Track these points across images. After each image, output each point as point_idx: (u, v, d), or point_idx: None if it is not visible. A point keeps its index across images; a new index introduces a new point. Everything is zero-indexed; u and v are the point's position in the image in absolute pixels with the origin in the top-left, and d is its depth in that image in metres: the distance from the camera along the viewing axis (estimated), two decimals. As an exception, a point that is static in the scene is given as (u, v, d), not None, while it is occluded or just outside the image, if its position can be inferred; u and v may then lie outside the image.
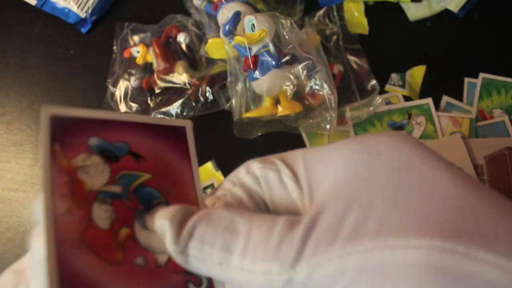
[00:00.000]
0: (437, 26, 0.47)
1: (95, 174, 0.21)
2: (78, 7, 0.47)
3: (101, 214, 0.20)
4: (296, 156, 0.20)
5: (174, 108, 0.42)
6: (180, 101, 0.42)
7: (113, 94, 0.44)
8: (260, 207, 0.20)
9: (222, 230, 0.18)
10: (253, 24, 0.36)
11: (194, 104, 0.42)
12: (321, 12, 0.46)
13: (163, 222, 0.18)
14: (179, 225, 0.18)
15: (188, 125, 0.23)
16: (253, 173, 0.20)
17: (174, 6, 0.47)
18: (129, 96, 0.44)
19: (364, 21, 0.47)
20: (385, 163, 0.17)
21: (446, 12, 0.47)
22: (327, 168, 0.18)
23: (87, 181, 0.21)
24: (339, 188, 0.18)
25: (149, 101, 0.44)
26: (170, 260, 0.20)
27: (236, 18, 0.37)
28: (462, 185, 0.16)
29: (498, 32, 0.47)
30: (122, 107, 0.44)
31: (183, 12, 0.46)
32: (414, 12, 0.47)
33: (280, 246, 0.17)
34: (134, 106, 0.44)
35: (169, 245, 0.18)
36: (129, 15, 0.49)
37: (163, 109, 0.42)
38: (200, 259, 0.18)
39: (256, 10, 0.40)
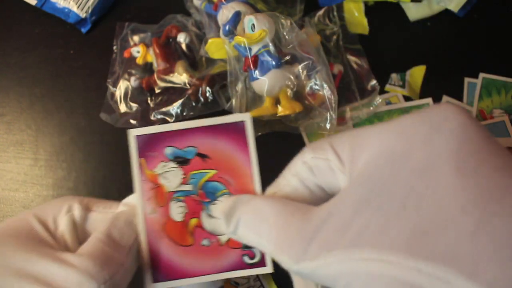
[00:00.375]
0: (437, 26, 0.47)
1: (172, 178, 0.27)
2: (78, 7, 0.47)
3: (176, 210, 0.27)
4: (343, 143, 0.22)
5: (174, 108, 0.42)
6: (180, 101, 0.42)
7: (113, 94, 0.44)
8: (314, 193, 0.23)
9: (259, 219, 0.22)
10: (253, 24, 0.36)
11: (194, 104, 0.42)
12: (321, 12, 0.46)
13: (218, 214, 0.25)
14: (229, 215, 0.23)
15: (247, 118, 0.27)
16: (307, 163, 0.23)
17: (174, 6, 0.47)
18: (129, 96, 0.44)
19: (364, 21, 0.47)
20: (411, 160, 0.18)
21: (446, 12, 0.47)
22: (364, 155, 0.20)
23: (166, 185, 0.27)
24: (358, 186, 0.19)
25: (149, 101, 0.44)
26: (229, 239, 0.26)
27: (236, 18, 0.37)
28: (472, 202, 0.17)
29: (498, 32, 0.47)
30: (122, 107, 0.44)
31: (183, 12, 0.46)
32: (414, 12, 0.47)
33: (291, 243, 0.20)
34: (134, 106, 0.44)
35: (224, 232, 0.25)
36: (129, 15, 0.49)
37: (163, 109, 0.42)
38: (246, 240, 0.23)
39: (256, 10, 0.40)
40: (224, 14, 0.39)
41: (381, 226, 0.18)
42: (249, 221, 0.22)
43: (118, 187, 0.43)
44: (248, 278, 0.41)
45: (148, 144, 0.28)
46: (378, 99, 0.42)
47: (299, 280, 0.24)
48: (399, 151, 0.19)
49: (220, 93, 0.42)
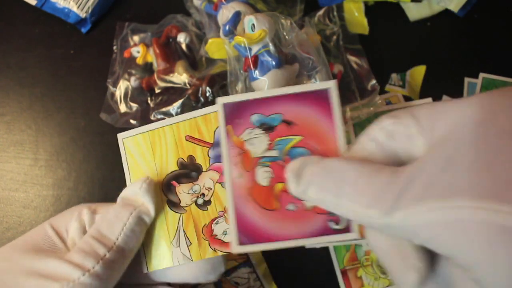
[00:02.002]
0: (437, 26, 0.47)
1: (258, 144, 0.28)
2: (78, 7, 0.47)
3: (262, 175, 0.27)
4: (422, 111, 0.22)
5: (174, 108, 0.42)
6: (180, 101, 0.42)
7: (113, 94, 0.44)
8: (391, 158, 0.23)
9: (335, 179, 0.22)
10: (253, 24, 0.36)
11: (194, 104, 0.42)
12: (321, 12, 0.46)
13: (287, 173, 0.25)
14: (298, 174, 0.24)
15: (332, 85, 0.27)
16: (386, 129, 0.23)
17: (174, 6, 0.47)
18: (129, 96, 0.44)
19: (364, 21, 0.47)
20: (496, 125, 0.19)
21: (446, 12, 0.47)
22: (445, 122, 0.21)
23: (252, 150, 0.28)
24: (445, 146, 0.20)
25: (149, 101, 0.44)
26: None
27: (236, 18, 0.37)
28: None
29: (498, 32, 0.47)
30: (122, 107, 0.44)
31: (183, 12, 0.46)
32: (414, 12, 0.47)
33: (380, 196, 0.20)
34: (134, 106, 0.44)
35: (292, 191, 0.24)
36: (129, 15, 0.49)
37: (163, 109, 0.42)
38: (319, 201, 0.23)
39: (256, 10, 0.40)
40: (224, 14, 0.39)
41: (471, 179, 0.18)
42: (323, 181, 0.23)
43: (118, 186, 0.43)
44: (248, 278, 0.41)
45: (235, 112, 0.29)
46: (378, 99, 0.42)
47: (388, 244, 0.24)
48: (482, 118, 0.20)
49: (220, 93, 0.42)
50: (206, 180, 0.29)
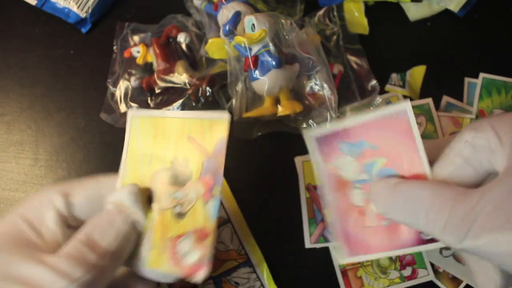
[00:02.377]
0: (438, 26, 0.47)
1: (349, 168, 0.31)
2: (78, 7, 0.47)
3: (357, 197, 0.30)
4: (504, 125, 0.23)
5: (174, 108, 0.42)
6: (180, 101, 0.42)
7: (113, 94, 0.44)
8: (478, 171, 0.24)
9: (410, 206, 0.24)
10: (253, 24, 0.36)
11: (194, 104, 0.42)
12: (321, 12, 0.46)
13: (370, 200, 0.28)
14: (376, 200, 0.28)
15: (407, 107, 0.29)
16: (469, 142, 0.24)
17: (174, 6, 0.47)
18: (129, 96, 0.44)
19: (364, 21, 0.47)
20: None
21: (447, 12, 0.47)
22: None
23: (345, 175, 0.31)
24: None
25: (149, 101, 0.44)
26: None
27: (236, 18, 0.37)
28: None
29: (498, 32, 0.47)
30: (122, 107, 0.44)
31: (183, 12, 0.46)
32: (414, 12, 0.47)
33: (454, 223, 0.21)
34: (134, 106, 0.44)
35: (375, 211, 0.28)
36: (129, 15, 0.49)
37: (163, 109, 0.42)
38: (400, 220, 0.26)
39: (256, 10, 0.40)
40: (224, 14, 0.39)
41: None
42: (400, 208, 0.25)
43: (118, 187, 0.43)
44: (248, 278, 0.41)
45: (325, 142, 0.32)
46: (378, 99, 0.42)
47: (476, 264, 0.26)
48: None
49: (220, 93, 0.42)
50: (191, 190, 0.29)
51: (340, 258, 0.32)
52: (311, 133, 0.32)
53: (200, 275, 0.26)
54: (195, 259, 0.27)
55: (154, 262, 0.28)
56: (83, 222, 0.26)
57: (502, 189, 0.21)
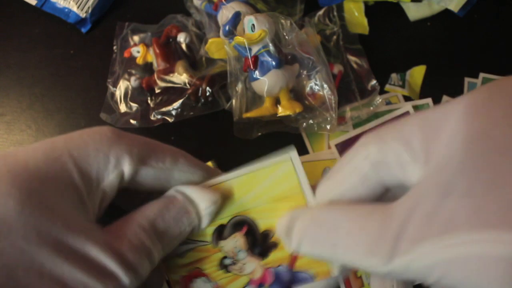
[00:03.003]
0: (437, 26, 0.47)
1: None
2: (78, 7, 0.47)
3: None
4: (413, 130, 0.19)
5: (174, 108, 0.42)
6: (180, 101, 0.42)
7: (113, 94, 0.44)
8: (376, 190, 0.21)
9: (327, 231, 0.20)
10: (253, 25, 0.36)
11: (194, 104, 0.42)
12: (321, 12, 0.46)
13: (279, 232, 0.23)
14: (288, 232, 0.22)
15: (409, 108, 0.29)
16: (370, 158, 0.20)
17: (174, 6, 0.47)
18: (129, 96, 0.44)
19: (364, 21, 0.47)
20: (493, 139, 0.17)
21: (447, 12, 0.47)
22: (439, 142, 0.18)
23: None
24: (438, 172, 0.18)
25: (149, 101, 0.44)
26: None
27: (236, 18, 0.37)
28: None
29: (498, 32, 0.47)
30: (122, 107, 0.44)
31: (183, 12, 0.46)
32: (414, 12, 0.47)
33: (378, 243, 0.18)
34: (134, 106, 0.44)
35: (287, 249, 0.23)
36: (129, 15, 0.49)
37: (163, 109, 0.42)
38: (316, 255, 0.21)
39: (256, 10, 0.40)
40: (224, 14, 0.39)
41: (474, 207, 0.16)
42: (315, 236, 0.21)
43: (118, 187, 0.43)
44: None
45: (345, 148, 0.31)
46: (378, 99, 0.42)
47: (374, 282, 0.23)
48: (478, 131, 0.17)
49: (220, 93, 0.42)
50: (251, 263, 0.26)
51: None
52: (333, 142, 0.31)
53: None
54: None
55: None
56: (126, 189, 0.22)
57: (426, 194, 0.17)
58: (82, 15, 0.47)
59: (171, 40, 0.45)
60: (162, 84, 0.43)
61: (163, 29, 0.45)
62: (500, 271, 0.15)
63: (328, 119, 0.39)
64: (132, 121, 0.43)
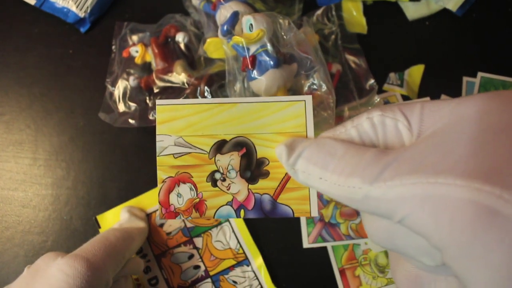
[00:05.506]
0: (436, 25, 0.47)
1: None
2: (77, 7, 0.47)
3: None
4: (412, 108, 0.22)
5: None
6: (178, 101, 0.42)
7: (111, 94, 0.44)
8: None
9: (324, 153, 0.23)
10: (251, 24, 0.36)
11: (192, 103, 0.42)
12: (319, 11, 0.46)
13: (280, 147, 0.25)
14: (290, 147, 0.24)
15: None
16: (371, 120, 0.23)
17: (172, 5, 0.47)
18: (127, 95, 0.44)
19: (363, 20, 0.47)
20: (487, 121, 0.19)
21: (445, 11, 0.47)
22: (435, 120, 0.21)
23: None
24: (435, 136, 0.20)
25: (147, 101, 0.44)
26: None
27: (234, 18, 0.37)
28: None
29: (497, 31, 0.47)
30: (121, 107, 0.44)
31: (182, 12, 0.46)
32: (412, 12, 0.47)
33: (366, 167, 0.20)
34: (133, 105, 0.44)
35: (283, 163, 0.25)
36: (127, 14, 0.49)
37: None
38: (306, 174, 0.23)
39: (254, 10, 0.40)
40: (223, 14, 0.39)
41: (458, 160, 0.18)
42: (313, 154, 0.23)
43: (117, 186, 0.43)
44: (246, 277, 0.41)
45: None
46: (377, 99, 0.42)
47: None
48: (476, 116, 0.19)
49: (218, 92, 0.42)
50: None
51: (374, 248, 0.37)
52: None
53: None
54: None
55: None
56: None
57: (421, 145, 0.20)
58: (81, 14, 0.47)
59: (169, 39, 0.45)
60: (160, 83, 0.43)
61: (162, 29, 0.45)
62: (467, 215, 0.17)
63: (326, 118, 0.39)
64: (130, 121, 0.43)
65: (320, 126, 0.40)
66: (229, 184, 0.29)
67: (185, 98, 0.42)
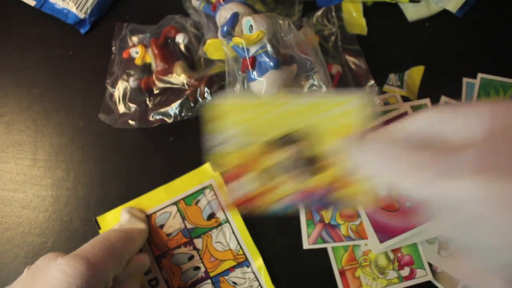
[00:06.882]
0: (436, 27, 0.47)
1: None
2: (77, 8, 0.47)
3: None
4: (478, 107, 0.22)
5: (173, 108, 0.42)
6: (178, 102, 0.42)
7: (111, 95, 0.44)
8: (427, 145, 0.24)
9: (392, 148, 0.23)
10: (251, 25, 0.36)
11: (192, 104, 0.43)
12: (319, 12, 0.46)
13: (344, 140, 0.27)
14: (355, 142, 0.25)
15: (408, 109, 0.36)
16: (428, 117, 0.23)
17: (172, 7, 0.47)
18: (127, 96, 0.44)
19: (363, 21, 0.47)
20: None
21: (445, 13, 0.47)
22: (505, 119, 0.21)
23: None
24: (503, 135, 0.21)
25: (147, 102, 0.44)
26: None
27: (234, 19, 0.37)
28: None
29: (496, 33, 0.47)
30: (121, 108, 0.44)
31: (182, 13, 0.46)
32: (412, 13, 0.47)
33: (437, 162, 0.21)
34: (133, 106, 0.44)
35: (346, 156, 0.26)
36: (127, 15, 0.49)
37: (162, 110, 0.42)
38: (375, 165, 0.24)
39: (254, 11, 0.40)
40: (222, 15, 0.39)
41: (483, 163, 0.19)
42: (384, 147, 0.24)
43: (117, 187, 0.43)
44: (246, 278, 0.41)
45: None
46: (376, 100, 0.42)
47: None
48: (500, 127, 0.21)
49: (218, 93, 0.42)
50: None
51: (375, 248, 0.40)
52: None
53: None
54: None
55: None
56: None
57: (486, 145, 0.21)
58: (81, 16, 0.47)
59: (169, 41, 0.45)
60: (160, 84, 0.43)
61: (162, 30, 0.45)
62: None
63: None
64: (130, 122, 0.43)
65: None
66: (285, 179, 0.30)
67: (185, 99, 0.42)
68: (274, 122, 0.30)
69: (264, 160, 0.30)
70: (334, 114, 0.29)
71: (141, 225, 0.40)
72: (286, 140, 0.29)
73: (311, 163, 0.30)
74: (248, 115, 0.30)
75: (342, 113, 0.29)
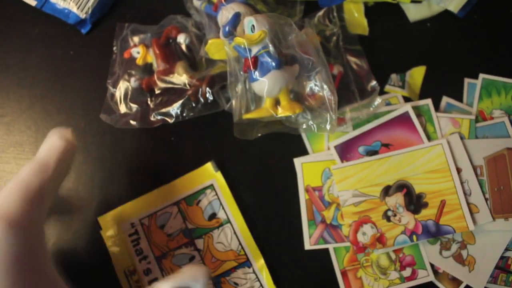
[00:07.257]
0: (437, 27, 0.47)
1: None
2: (78, 8, 0.47)
3: None
4: None
5: (174, 109, 0.42)
6: (180, 102, 0.42)
7: (113, 95, 0.44)
8: None
9: None
10: (253, 25, 0.36)
11: (194, 104, 0.42)
12: (321, 13, 0.46)
13: None
14: None
15: (409, 108, 0.42)
16: None
17: (174, 7, 0.47)
18: (129, 96, 0.44)
19: (364, 21, 0.47)
20: None
21: (446, 13, 0.47)
22: None
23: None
24: None
25: (149, 102, 0.44)
26: None
27: (236, 19, 0.37)
28: None
29: (498, 33, 0.47)
30: (122, 108, 0.44)
31: (183, 13, 0.46)
32: (414, 13, 0.47)
33: None
34: (134, 106, 0.44)
35: None
36: (129, 15, 0.49)
37: (163, 110, 0.42)
38: None
39: (256, 11, 0.40)
40: (224, 15, 0.39)
41: None
42: None
43: (118, 187, 0.43)
44: (247, 279, 0.41)
45: (345, 149, 0.42)
46: (378, 100, 0.42)
47: None
48: None
49: (220, 93, 0.42)
50: None
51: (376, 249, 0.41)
52: (332, 144, 0.41)
53: None
54: None
55: None
56: None
57: None
58: (82, 16, 0.47)
59: (171, 41, 0.45)
60: (162, 85, 0.43)
61: (163, 30, 0.45)
62: None
63: (328, 120, 0.39)
64: (132, 122, 0.43)
65: (322, 127, 0.40)
66: (399, 217, 0.39)
67: (186, 99, 0.42)
68: (381, 176, 0.40)
69: (380, 207, 0.39)
70: (425, 160, 0.39)
71: (55, 141, 0.33)
72: (395, 187, 0.39)
73: (418, 201, 0.39)
74: (361, 175, 0.40)
75: (431, 158, 0.39)
